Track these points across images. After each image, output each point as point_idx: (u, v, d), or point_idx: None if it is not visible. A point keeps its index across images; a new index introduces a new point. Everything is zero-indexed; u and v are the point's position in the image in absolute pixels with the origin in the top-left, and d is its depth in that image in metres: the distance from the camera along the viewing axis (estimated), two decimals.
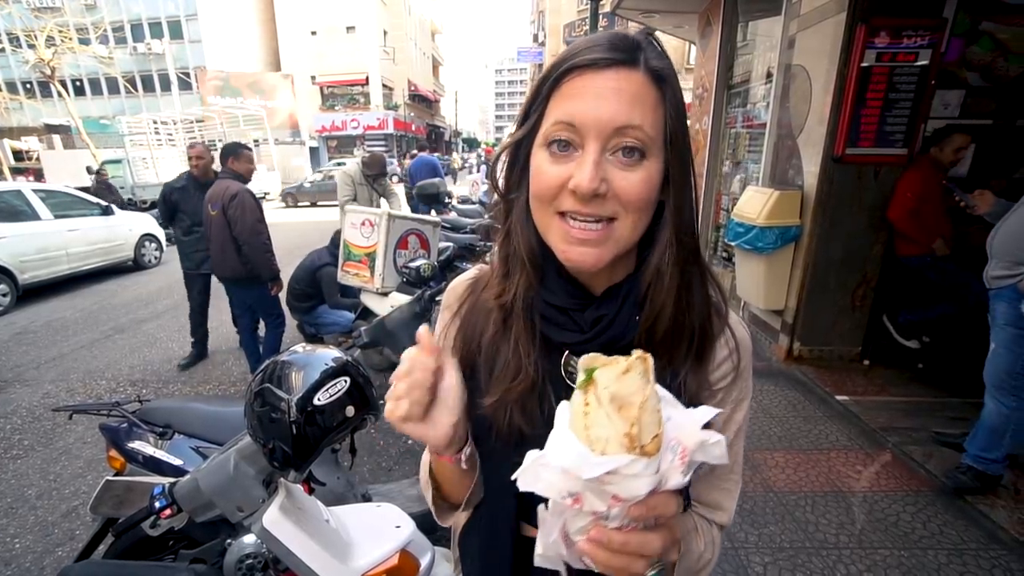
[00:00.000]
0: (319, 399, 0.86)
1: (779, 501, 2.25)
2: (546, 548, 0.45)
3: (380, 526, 1.19)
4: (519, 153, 0.56)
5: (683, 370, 0.56)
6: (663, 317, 0.54)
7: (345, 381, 0.90)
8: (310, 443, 0.88)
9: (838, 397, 3.02)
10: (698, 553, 0.57)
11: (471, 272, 0.71)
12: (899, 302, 3.36)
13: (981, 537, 2.01)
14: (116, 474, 1.59)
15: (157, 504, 0.96)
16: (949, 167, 3.02)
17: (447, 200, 6.67)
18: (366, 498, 1.79)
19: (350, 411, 0.89)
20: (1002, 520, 2.04)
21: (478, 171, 14.08)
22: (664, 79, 0.50)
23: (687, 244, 0.54)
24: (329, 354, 0.94)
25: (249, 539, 1.15)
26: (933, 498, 2.23)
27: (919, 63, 2.92)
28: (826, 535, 2.05)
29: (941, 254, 3.05)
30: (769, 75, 4.03)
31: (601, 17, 8.99)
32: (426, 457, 0.66)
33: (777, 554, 1.96)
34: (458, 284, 0.70)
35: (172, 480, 1.00)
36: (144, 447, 1.58)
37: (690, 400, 0.55)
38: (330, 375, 0.88)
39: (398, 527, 1.18)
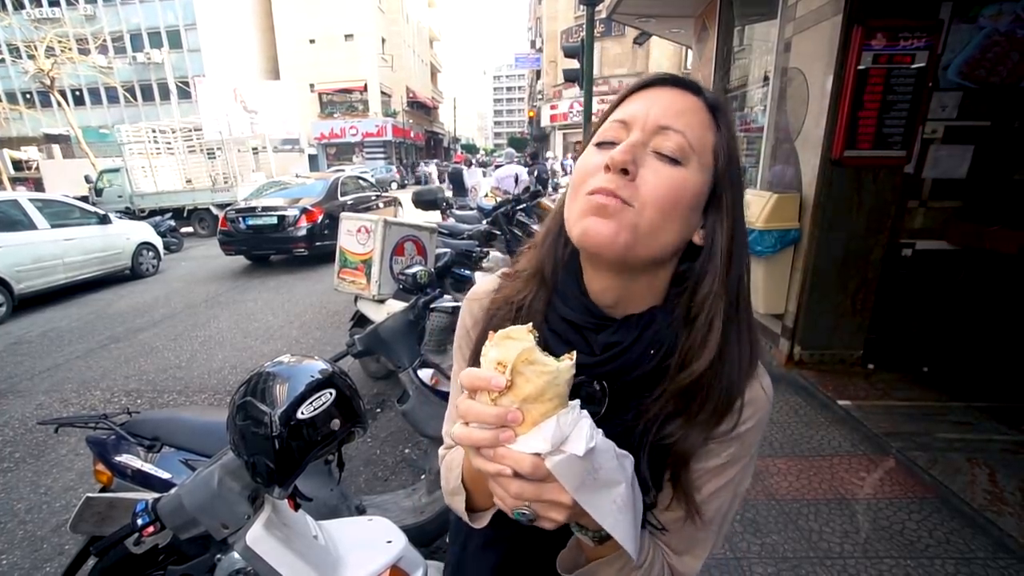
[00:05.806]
0: (303, 412, 0.83)
1: (781, 509, 2.21)
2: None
3: (371, 541, 1.16)
4: None
5: (698, 429, 0.52)
6: (694, 370, 0.51)
7: (330, 393, 0.87)
8: (294, 458, 0.85)
9: (840, 402, 2.98)
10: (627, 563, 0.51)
11: (492, 282, 0.68)
12: (901, 308, 3.33)
13: (989, 545, 1.97)
14: (102, 489, 1.55)
15: (140, 521, 0.93)
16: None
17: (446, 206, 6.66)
18: (360, 510, 1.75)
19: (335, 424, 0.86)
20: (1010, 527, 1.99)
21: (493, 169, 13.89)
22: (719, 109, 0.53)
23: (734, 290, 0.52)
24: (315, 366, 0.91)
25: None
26: (939, 505, 2.19)
27: (916, 65, 2.91)
28: (830, 544, 2.01)
29: None
30: (766, 78, 4.03)
31: (598, 23, 9.03)
32: (456, 463, 0.63)
33: (780, 564, 1.92)
34: (482, 296, 0.67)
35: (155, 496, 0.97)
36: (132, 461, 1.54)
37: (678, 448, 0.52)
38: (315, 387, 0.85)
39: (389, 542, 1.15)
